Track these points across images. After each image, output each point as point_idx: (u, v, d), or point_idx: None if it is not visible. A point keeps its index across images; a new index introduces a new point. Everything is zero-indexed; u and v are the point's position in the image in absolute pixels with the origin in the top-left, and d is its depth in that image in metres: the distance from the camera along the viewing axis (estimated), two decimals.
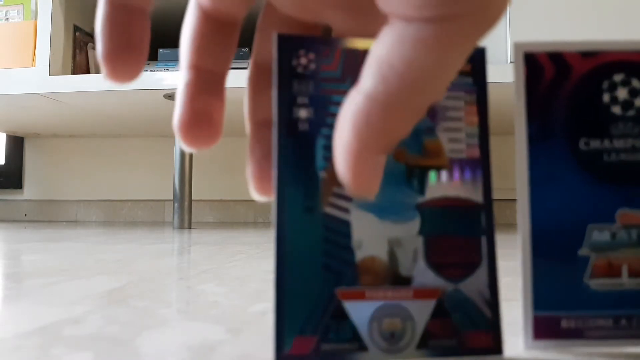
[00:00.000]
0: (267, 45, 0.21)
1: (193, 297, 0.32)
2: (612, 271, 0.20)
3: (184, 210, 1.14)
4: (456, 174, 0.20)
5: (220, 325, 0.25)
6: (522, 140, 0.20)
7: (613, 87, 0.20)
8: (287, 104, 0.19)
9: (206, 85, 0.20)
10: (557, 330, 0.20)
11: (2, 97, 1.13)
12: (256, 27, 0.21)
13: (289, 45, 0.19)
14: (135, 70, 0.19)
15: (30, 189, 1.67)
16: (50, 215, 1.64)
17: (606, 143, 0.20)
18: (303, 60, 0.19)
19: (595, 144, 0.20)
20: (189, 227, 1.15)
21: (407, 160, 0.20)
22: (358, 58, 0.19)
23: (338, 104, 0.16)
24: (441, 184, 0.20)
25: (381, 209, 0.20)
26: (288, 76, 0.19)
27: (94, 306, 0.29)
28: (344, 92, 0.16)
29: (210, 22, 0.20)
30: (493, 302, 0.20)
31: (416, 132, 0.20)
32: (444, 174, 0.20)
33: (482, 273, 0.20)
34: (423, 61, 0.14)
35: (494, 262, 0.20)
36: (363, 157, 0.15)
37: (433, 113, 0.20)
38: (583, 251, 0.20)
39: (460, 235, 0.20)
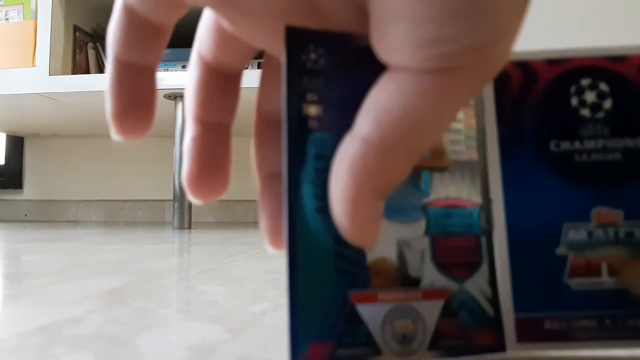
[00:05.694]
0: (270, 97, 0.21)
1: (193, 297, 0.32)
2: (592, 270, 0.20)
3: (184, 210, 1.14)
4: (457, 175, 0.20)
5: (220, 325, 0.25)
6: (493, 144, 0.21)
7: (581, 91, 0.21)
8: (296, 100, 0.18)
9: (212, 137, 0.20)
10: (540, 332, 0.20)
11: (2, 97, 1.13)
12: (259, 80, 0.21)
13: (298, 39, 0.18)
14: (145, 127, 0.19)
15: (30, 189, 1.67)
16: (50, 215, 1.64)
17: (577, 144, 0.21)
18: (313, 55, 0.18)
19: (565, 145, 0.21)
20: (189, 227, 1.15)
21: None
22: (370, 54, 0.18)
23: (349, 101, 0.16)
24: (444, 185, 0.20)
25: (390, 209, 0.19)
26: (297, 71, 0.18)
27: (94, 306, 0.29)
28: (355, 90, 0.15)
29: (212, 75, 0.20)
30: (494, 299, 0.20)
31: None
32: (446, 175, 0.20)
33: (483, 271, 0.20)
34: (421, 109, 0.14)
35: (493, 260, 0.20)
36: (361, 203, 0.15)
37: None
38: (560, 250, 0.20)
39: (462, 235, 0.20)
